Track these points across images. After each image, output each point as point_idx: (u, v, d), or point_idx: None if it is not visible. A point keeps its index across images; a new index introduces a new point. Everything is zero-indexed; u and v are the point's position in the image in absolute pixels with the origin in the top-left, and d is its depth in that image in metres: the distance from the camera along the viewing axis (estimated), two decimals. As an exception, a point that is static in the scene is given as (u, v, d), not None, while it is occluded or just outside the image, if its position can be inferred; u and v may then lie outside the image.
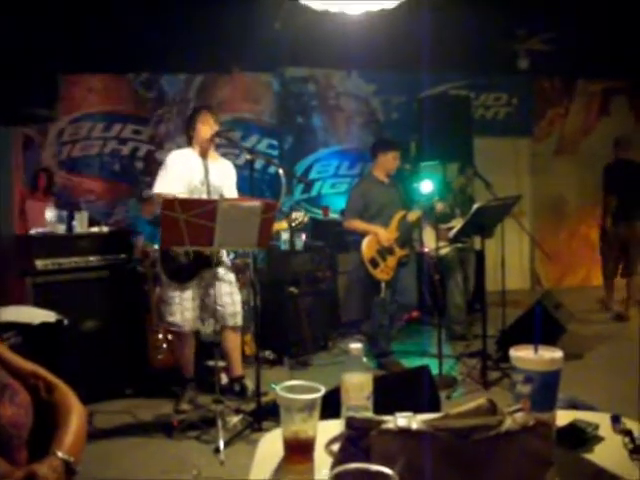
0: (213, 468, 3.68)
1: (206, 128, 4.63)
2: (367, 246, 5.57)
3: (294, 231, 6.24)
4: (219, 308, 4.60)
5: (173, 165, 4.61)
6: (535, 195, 10.18)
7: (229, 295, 4.69)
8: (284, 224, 4.78)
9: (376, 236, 5.55)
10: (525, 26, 7.86)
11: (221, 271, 4.64)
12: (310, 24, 6.75)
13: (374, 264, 5.56)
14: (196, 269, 4.51)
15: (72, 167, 8.72)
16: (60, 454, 1.52)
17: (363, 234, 5.62)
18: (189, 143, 4.78)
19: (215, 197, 4.49)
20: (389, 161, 5.74)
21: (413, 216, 5.71)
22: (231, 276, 4.78)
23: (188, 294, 4.56)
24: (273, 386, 1.20)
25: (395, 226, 5.62)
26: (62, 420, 1.63)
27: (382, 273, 5.57)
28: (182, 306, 4.55)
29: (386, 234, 5.56)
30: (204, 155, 4.69)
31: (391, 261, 5.59)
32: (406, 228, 5.69)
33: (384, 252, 5.57)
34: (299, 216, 4.68)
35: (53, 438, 1.58)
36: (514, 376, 1.41)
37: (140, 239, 6.11)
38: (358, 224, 5.66)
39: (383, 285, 5.60)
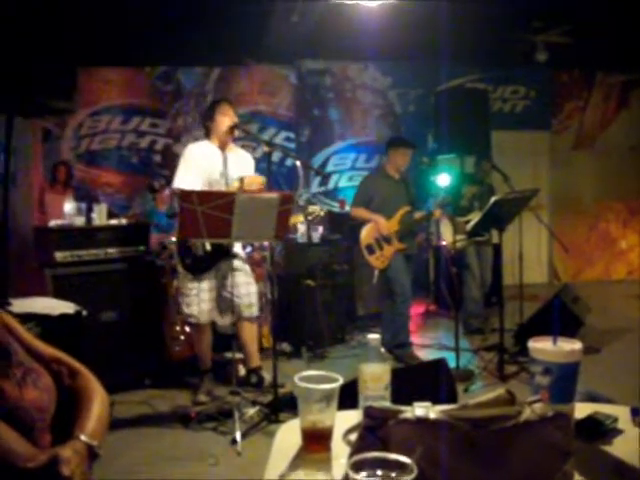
0: (230, 459, 3.70)
1: (225, 119, 4.63)
2: (366, 233, 5.75)
3: (311, 224, 6.27)
4: (235, 299, 4.60)
5: (192, 158, 4.59)
6: (553, 189, 10.12)
7: (245, 286, 4.69)
8: (300, 217, 4.80)
9: (376, 224, 5.68)
10: (543, 18, 7.80)
11: (237, 262, 4.64)
12: (327, 17, 6.75)
13: (370, 250, 5.72)
14: (212, 260, 4.52)
15: (91, 160, 8.79)
16: (83, 438, 1.54)
17: (366, 222, 5.77)
18: (207, 135, 4.77)
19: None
20: (398, 157, 5.84)
21: (418, 215, 5.84)
22: (247, 267, 4.79)
23: (205, 285, 4.57)
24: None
25: (397, 219, 5.74)
26: (85, 405, 1.65)
27: (377, 261, 5.72)
28: (199, 297, 4.56)
29: (386, 224, 5.68)
30: (223, 147, 4.68)
31: (387, 250, 5.69)
32: (408, 224, 5.78)
33: (381, 241, 5.70)
34: (315, 210, 4.70)
35: (76, 422, 1.60)
36: (533, 368, 1.41)
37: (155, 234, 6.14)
38: (362, 212, 5.80)
39: (376, 272, 5.76)
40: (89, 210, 5.24)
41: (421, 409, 1.15)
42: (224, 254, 4.41)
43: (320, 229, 6.80)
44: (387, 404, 1.46)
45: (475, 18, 6.88)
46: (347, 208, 8.03)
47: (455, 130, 7.57)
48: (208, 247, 4.46)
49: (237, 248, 4.69)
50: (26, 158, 8.19)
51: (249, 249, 5.42)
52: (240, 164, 4.77)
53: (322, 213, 4.74)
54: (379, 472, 0.98)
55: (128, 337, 4.99)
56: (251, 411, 4.21)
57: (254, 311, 4.78)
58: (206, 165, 4.58)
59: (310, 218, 4.77)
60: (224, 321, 4.77)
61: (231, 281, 4.52)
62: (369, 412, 1.19)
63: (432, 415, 1.14)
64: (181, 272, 4.65)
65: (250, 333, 4.83)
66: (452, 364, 4.85)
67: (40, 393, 1.57)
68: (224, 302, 4.64)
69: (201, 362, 4.79)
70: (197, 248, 4.46)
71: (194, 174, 4.52)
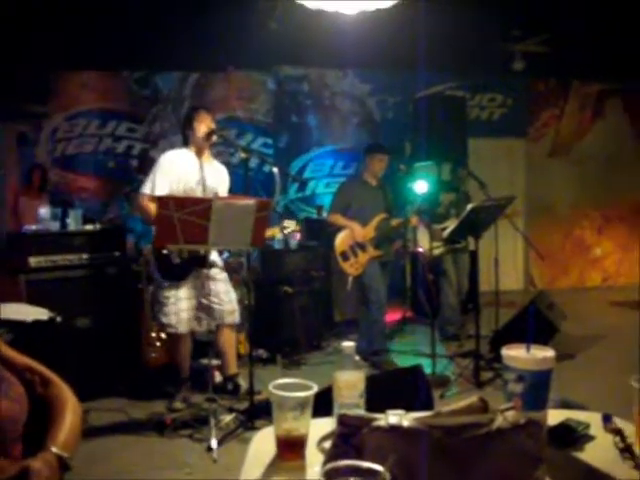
0: (205, 466, 3.68)
1: (203, 127, 4.60)
2: (340, 239, 5.77)
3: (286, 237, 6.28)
4: (217, 307, 4.59)
5: (167, 165, 4.53)
6: (529, 196, 10.20)
7: (226, 293, 4.68)
8: (276, 230, 4.81)
9: (352, 231, 5.70)
10: (521, 27, 7.88)
11: (215, 270, 4.62)
12: (305, 23, 6.75)
13: (344, 257, 5.74)
14: (189, 268, 4.48)
15: (66, 164, 8.71)
16: (54, 449, 1.52)
17: (342, 228, 5.79)
18: (185, 143, 4.73)
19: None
20: (374, 164, 5.87)
21: (395, 222, 5.87)
22: (224, 275, 4.77)
23: (183, 294, 4.52)
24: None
25: (373, 226, 5.76)
26: (57, 415, 1.64)
27: (351, 267, 5.74)
28: (177, 307, 4.50)
29: (361, 231, 5.71)
30: (200, 155, 4.66)
31: (362, 257, 5.71)
32: (384, 231, 5.80)
33: (356, 248, 5.73)
34: (291, 225, 4.72)
35: (47, 433, 1.58)
36: (506, 375, 1.42)
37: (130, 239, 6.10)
38: (338, 219, 5.82)
39: (350, 279, 5.80)
40: (64, 215, 5.19)
41: (394, 417, 1.15)
42: (201, 262, 4.38)
43: (297, 236, 6.79)
44: (361, 412, 1.46)
45: (454, 26, 6.93)
46: (325, 214, 8.06)
47: (432, 137, 7.62)
48: (185, 254, 4.42)
49: (214, 256, 4.67)
50: (0, 161, 8.11)
51: (225, 255, 5.40)
52: (217, 175, 4.76)
53: (298, 228, 4.77)
54: (352, 480, 0.98)
55: (103, 343, 4.94)
56: (227, 418, 4.20)
57: (236, 317, 4.77)
58: (182, 173, 4.54)
59: (286, 232, 4.81)
60: (201, 328, 4.74)
61: (210, 289, 4.50)
62: (343, 420, 1.19)
63: (405, 423, 1.14)
64: (158, 280, 4.60)
65: (229, 340, 4.81)
66: (428, 370, 4.87)
67: (12, 403, 1.55)
68: (204, 310, 4.60)
69: (180, 370, 4.74)
70: (173, 255, 4.42)
71: (166, 182, 4.47)
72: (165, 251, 4.37)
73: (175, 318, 4.52)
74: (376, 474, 0.98)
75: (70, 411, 1.67)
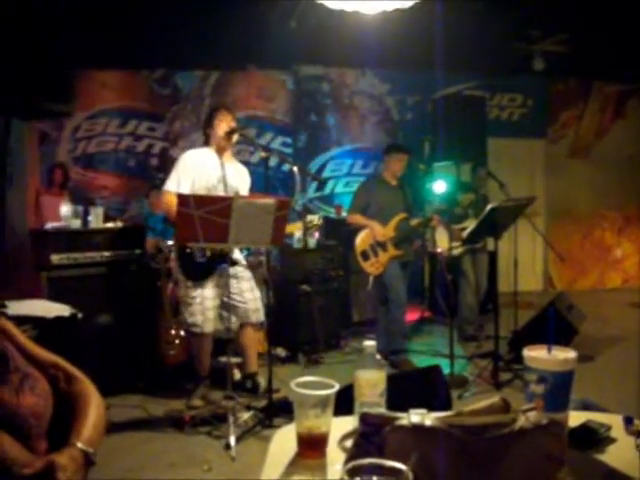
0: (224, 464, 3.70)
1: (224, 126, 4.61)
2: (361, 239, 5.77)
3: (309, 232, 6.28)
4: (241, 305, 4.62)
5: (189, 163, 4.57)
6: (549, 197, 10.14)
7: (250, 291, 4.70)
8: (299, 225, 4.80)
9: (372, 230, 5.70)
10: (541, 27, 7.83)
11: (239, 268, 4.64)
12: (325, 23, 6.76)
13: (365, 257, 5.74)
14: (213, 267, 4.50)
15: (87, 163, 8.77)
16: (79, 445, 1.54)
17: (362, 228, 5.80)
18: (206, 142, 4.75)
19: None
20: (393, 163, 5.87)
21: (415, 221, 5.86)
22: (248, 273, 4.78)
23: (209, 293, 4.53)
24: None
25: (393, 226, 5.76)
26: (81, 411, 1.65)
27: (372, 267, 5.73)
28: (203, 306, 4.51)
29: (382, 230, 5.70)
30: (221, 154, 4.67)
31: (383, 257, 5.71)
32: (404, 230, 5.78)
33: (377, 247, 5.72)
34: (314, 219, 4.71)
35: (72, 429, 1.60)
36: (527, 376, 1.41)
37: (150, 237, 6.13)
38: (358, 218, 5.83)
39: (371, 278, 5.82)
40: (86, 213, 5.24)
41: (417, 416, 1.16)
42: (224, 260, 4.38)
43: (316, 234, 6.79)
44: (382, 411, 1.46)
45: (473, 26, 6.91)
46: (344, 214, 8.06)
47: (452, 137, 7.60)
48: (208, 253, 4.44)
49: (237, 254, 4.69)
50: (23, 160, 8.18)
51: (245, 254, 5.42)
52: (238, 175, 4.78)
53: (320, 222, 4.77)
54: (374, 478, 0.98)
55: (123, 340, 4.98)
56: (245, 416, 4.21)
57: (260, 316, 4.78)
58: (203, 171, 4.56)
59: (309, 226, 4.79)
60: (224, 327, 4.75)
61: (234, 287, 4.53)
62: (365, 418, 1.20)
63: (428, 422, 1.14)
64: (182, 280, 4.60)
65: (252, 338, 4.83)
66: (446, 371, 4.86)
67: (37, 399, 1.57)
68: (228, 309, 4.61)
69: (200, 369, 4.75)
70: (196, 254, 4.43)
71: (189, 179, 4.51)
72: (188, 250, 4.39)
73: (201, 318, 4.53)
74: (399, 473, 0.99)
75: (94, 407, 1.69)
